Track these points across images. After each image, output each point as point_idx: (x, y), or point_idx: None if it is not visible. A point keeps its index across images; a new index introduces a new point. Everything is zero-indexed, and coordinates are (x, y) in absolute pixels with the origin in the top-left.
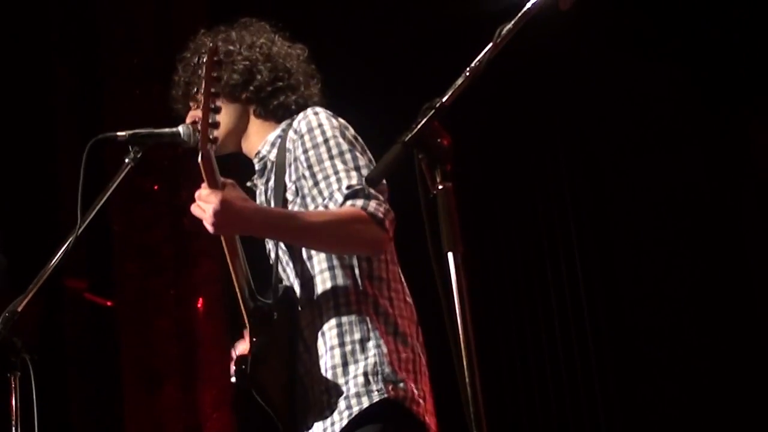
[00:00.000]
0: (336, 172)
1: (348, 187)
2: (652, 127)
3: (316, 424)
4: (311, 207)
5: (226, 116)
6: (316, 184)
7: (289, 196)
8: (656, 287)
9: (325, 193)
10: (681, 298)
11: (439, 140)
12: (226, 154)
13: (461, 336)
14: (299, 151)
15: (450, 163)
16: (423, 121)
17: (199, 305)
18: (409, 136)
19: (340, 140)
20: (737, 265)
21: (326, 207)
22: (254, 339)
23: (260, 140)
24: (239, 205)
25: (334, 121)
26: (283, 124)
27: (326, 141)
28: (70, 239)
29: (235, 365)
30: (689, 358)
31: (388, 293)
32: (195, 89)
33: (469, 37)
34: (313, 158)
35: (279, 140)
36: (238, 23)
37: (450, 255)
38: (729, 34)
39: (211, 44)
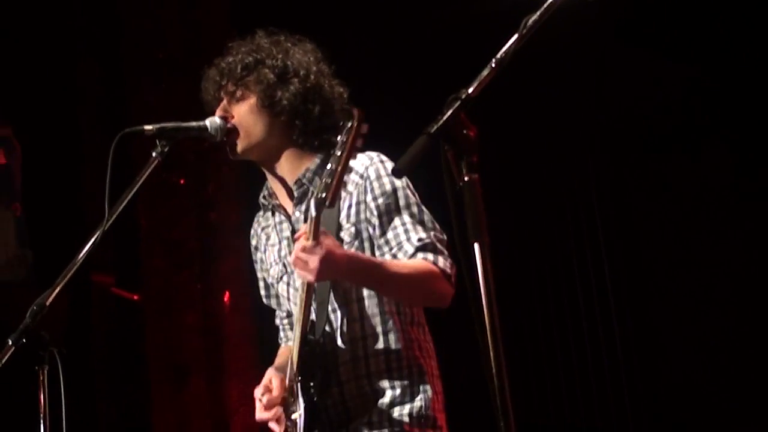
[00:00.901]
0: (404, 224)
1: (419, 240)
2: (678, 119)
3: None
4: (375, 252)
5: (264, 127)
6: (384, 233)
7: (346, 237)
8: (682, 276)
9: (393, 243)
10: (706, 286)
11: (465, 131)
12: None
13: (487, 325)
14: (368, 196)
15: (476, 154)
16: (449, 113)
17: (225, 299)
18: (436, 127)
19: (408, 192)
20: (762, 255)
21: (394, 256)
22: (303, 381)
23: (297, 166)
24: (339, 254)
25: None
26: (321, 156)
27: (395, 191)
28: (98, 234)
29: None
30: (715, 345)
31: (425, 337)
32: (231, 82)
33: (495, 29)
34: (383, 207)
35: (320, 171)
36: (292, 38)
37: (476, 245)
38: (748, 29)
39: (359, 117)
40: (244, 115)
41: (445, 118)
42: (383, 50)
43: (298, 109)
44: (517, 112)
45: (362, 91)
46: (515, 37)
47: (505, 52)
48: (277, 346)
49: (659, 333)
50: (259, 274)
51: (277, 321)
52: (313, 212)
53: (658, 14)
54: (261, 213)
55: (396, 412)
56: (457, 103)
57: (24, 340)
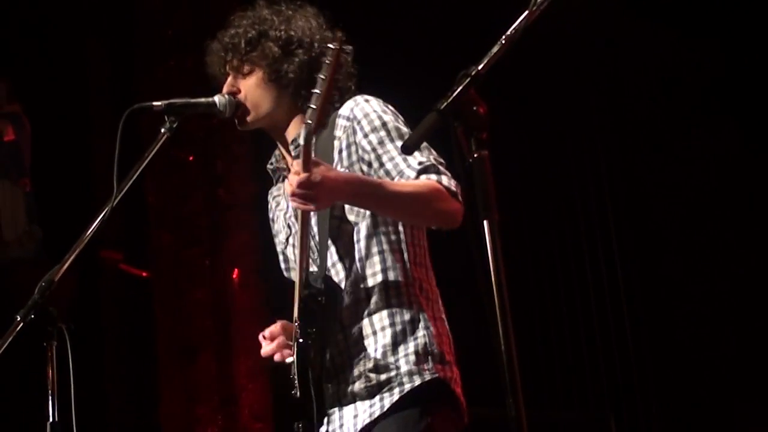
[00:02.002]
0: (400, 153)
1: (419, 163)
2: (689, 101)
3: (360, 401)
4: None
5: (272, 100)
6: (382, 165)
7: None
8: (694, 262)
9: (393, 172)
10: (717, 270)
11: (474, 108)
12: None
13: (496, 303)
14: (358, 136)
15: (486, 131)
16: (459, 89)
17: (234, 276)
18: (445, 104)
19: (398, 124)
20: None
21: None
22: (302, 324)
23: (296, 128)
24: (334, 176)
25: (388, 107)
26: (325, 119)
27: (384, 124)
28: (106, 210)
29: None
30: (725, 333)
31: (428, 279)
32: (236, 58)
33: (506, 4)
34: (375, 141)
35: (320, 129)
36: (293, 4)
37: (485, 222)
38: (760, 9)
39: (340, 40)
40: (252, 90)
41: (454, 94)
42: (392, 26)
43: (303, 80)
44: (528, 94)
45: (371, 67)
46: (525, 13)
47: (515, 29)
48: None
49: (669, 317)
50: (278, 248)
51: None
52: (301, 140)
53: None
54: (274, 185)
55: (401, 351)
56: (467, 80)
57: (32, 316)
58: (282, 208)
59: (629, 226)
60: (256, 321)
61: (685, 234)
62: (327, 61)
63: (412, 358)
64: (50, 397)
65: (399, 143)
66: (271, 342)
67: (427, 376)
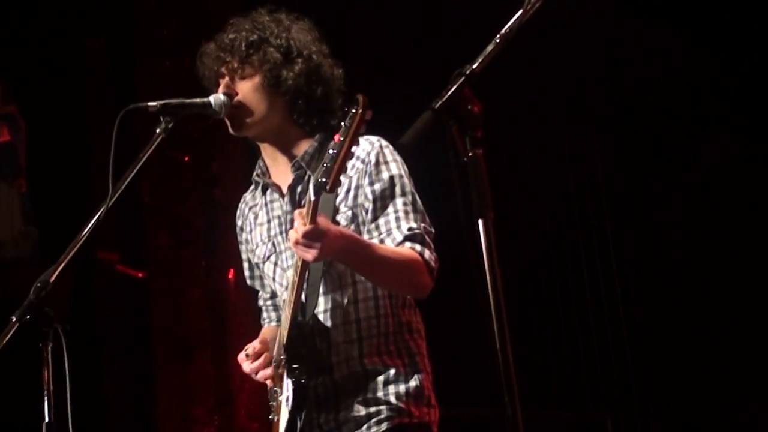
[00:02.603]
0: (396, 211)
1: (409, 229)
2: (687, 102)
3: (346, 429)
4: (365, 236)
5: (267, 106)
6: (376, 218)
7: (342, 220)
8: (689, 259)
9: (383, 229)
10: (714, 270)
11: (469, 107)
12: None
13: (492, 302)
14: (365, 180)
15: (480, 130)
16: (453, 88)
17: (230, 276)
18: (440, 102)
19: (405, 181)
20: None
21: (382, 241)
22: (288, 360)
23: (295, 146)
24: (334, 233)
25: (398, 157)
26: (318, 137)
27: (392, 178)
28: (102, 210)
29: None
30: (722, 333)
31: (416, 318)
32: (236, 59)
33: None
34: (379, 193)
35: (318, 155)
36: (291, 16)
37: (480, 221)
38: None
39: (363, 103)
40: (249, 93)
41: (449, 93)
42: (386, 25)
43: (301, 89)
44: (524, 92)
45: (365, 66)
46: (520, 12)
47: (509, 27)
48: None
49: (666, 318)
50: (244, 255)
51: (260, 302)
52: (312, 196)
53: None
54: (248, 193)
55: (391, 389)
56: (462, 79)
57: (28, 317)
58: (262, 222)
59: (626, 226)
60: (253, 321)
61: (683, 235)
62: (346, 125)
63: (403, 398)
64: (46, 398)
65: (399, 200)
66: (254, 360)
67: (415, 420)
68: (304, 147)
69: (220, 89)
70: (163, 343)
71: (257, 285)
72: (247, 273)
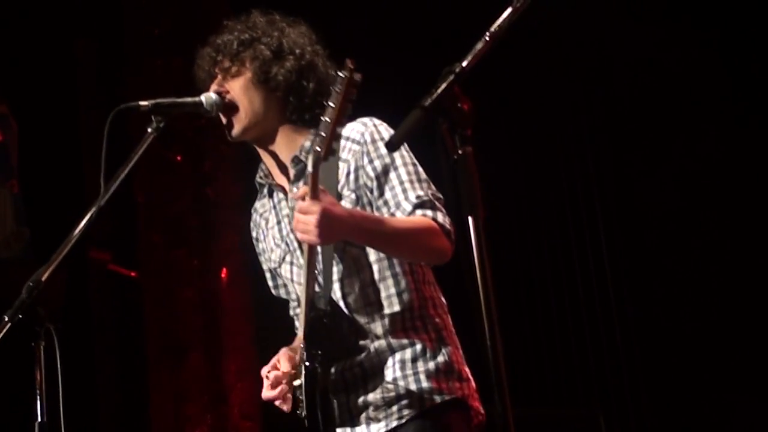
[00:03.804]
0: (402, 182)
1: (417, 197)
2: (679, 99)
3: (375, 411)
4: (374, 213)
5: (259, 103)
6: (382, 194)
7: (347, 204)
8: (681, 256)
9: (391, 203)
10: (707, 267)
11: (459, 105)
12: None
13: (481, 298)
14: (364, 160)
15: (470, 127)
16: (443, 86)
17: (223, 275)
18: (430, 100)
19: (404, 152)
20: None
21: (392, 215)
22: (308, 346)
23: (292, 143)
24: (338, 211)
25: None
26: (315, 131)
27: (390, 152)
28: (94, 210)
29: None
30: (710, 338)
31: (438, 295)
32: (227, 58)
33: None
34: (380, 168)
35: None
36: (287, 19)
37: (470, 219)
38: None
39: (356, 74)
40: (240, 91)
41: (439, 91)
42: (379, 22)
43: (292, 86)
44: (514, 89)
45: (357, 63)
46: (509, 9)
47: (499, 25)
48: (278, 327)
49: (659, 315)
50: (265, 266)
51: (291, 312)
52: (310, 168)
53: None
54: (257, 201)
55: (420, 367)
56: (451, 77)
57: (20, 316)
58: (272, 224)
59: (618, 223)
60: (245, 320)
61: (675, 232)
62: (337, 89)
63: (433, 375)
64: (38, 398)
65: (402, 170)
66: (272, 387)
67: (447, 397)
68: (301, 142)
69: (212, 88)
70: (155, 342)
71: (283, 294)
72: (270, 283)
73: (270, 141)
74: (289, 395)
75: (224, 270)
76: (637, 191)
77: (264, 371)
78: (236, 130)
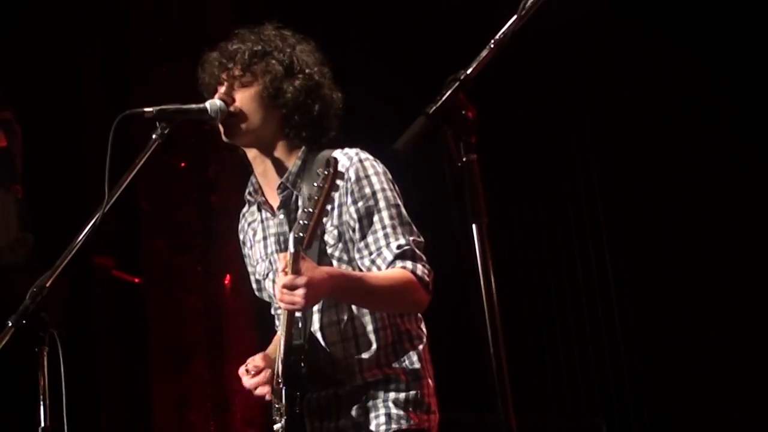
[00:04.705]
0: (384, 227)
1: (398, 247)
2: (680, 106)
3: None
4: (354, 255)
5: (263, 116)
6: (364, 237)
7: (329, 239)
8: (684, 265)
9: (373, 248)
10: (709, 275)
11: (464, 112)
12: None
13: (485, 306)
14: (348, 198)
15: (475, 135)
16: (448, 93)
17: (226, 282)
18: (434, 108)
19: (388, 194)
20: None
21: (373, 261)
22: (287, 389)
23: (283, 161)
24: (319, 276)
25: (379, 168)
26: (301, 154)
27: (374, 194)
28: (97, 216)
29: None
30: (711, 345)
31: (415, 325)
32: (238, 67)
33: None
34: (363, 210)
35: (302, 173)
36: (297, 36)
37: (474, 226)
38: (750, 16)
39: (335, 165)
40: (247, 102)
41: (444, 98)
42: (385, 29)
43: (299, 104)
44: (518, 96)
45: (361, 70)
46: (514, 18)
47: (503, 33)
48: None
49: (661, 323)
50: (250, 269)
51: (272, 311)
52: (291, 248)
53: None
54: (246, 208)
55: (391, 396)
56: (456, 84)
57: (24, 322)
58: (259, 239)
59: (621, 233)
60: (249, 326)
61: (678, 240)
62: (320, 185)
63: (401, 404)
64: (41, 403)
65: (385, 214)
66: (254, 376)
67: (413, 426)
68: (292, 161)
69: (218, 95)
70: (159, 348)
71: (265, 297)
72: (254, 286)
73: (262, 151)
74: (270, 379)
75: (227, 276)
76: (641, 200)
77: (241, 370)
78: (232, 136)
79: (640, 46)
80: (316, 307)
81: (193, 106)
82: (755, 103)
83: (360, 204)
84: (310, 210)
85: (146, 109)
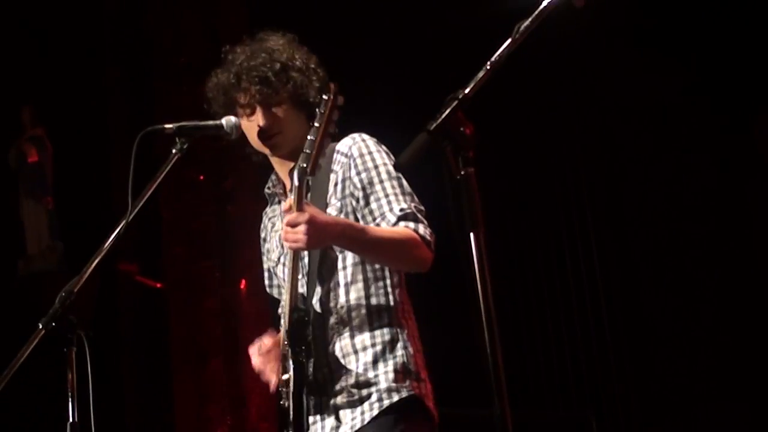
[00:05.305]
0: (387, 195)
1: (401, 210)
2: (663, 123)
3: (341, 414)
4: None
5: (300, 126)
6: (368, 204)
7: (332, 211)
8: (669, 265)
9: (377, 213)
10: (694, 275)
11: (462, 129)
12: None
13: (482, 308)
14: (352, 172)
15: (472, 150)
16: (447, 111)
17: (242, 287)
18: (435, 124)
19: (390, 168)
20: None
21: (377, 225)
22: (291, 344)
23: (293, 148)
24: (323, 219)
25: (381, 147)
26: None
27: (377, 167)
28: (122, 225)
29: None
30: (696, 343)
31: (407, 299)
32: (267, 88)
33: (490, 34)
34: (366, 180)
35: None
36: (293, 38)
37: (472, 235)
38: (733, 35)
39: (334, 90)
40: (283, 117)
41: (443, 116)
42: (389, 54)
43: (317, 103)
44: (511, 110)
45: (369, 90)
46: (509, 41)
47: (499, 55)
48: None
49: (649, 321)
50: (265, 265)
51: (279, 310)
52: (295, 182)
53: (651, 17)
54: (268, 206)
55: (381, 369)
56: (455, 103)
57: (53, 324)
58: (277, 229)
59: (609, 237)
60: (263, 328)
61: (662, 243)
62: (321, 111)
63: (391, 375)
64: (70, 399)
65: (387, 184)
66: (262, 355)
67: (405, 393)
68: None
69: (261, 122)
70: (179, 349)
71: (275, 293)
72: (266, 282)
73: (293, 153)
74: (278, 363)
75: (243, 282)
76: (628, 207)
77: (251, 349)
78: (278, 150)
79: (629, 64)
80: (318, 277)
81: (210, 122)
82: (736, 118)
83: (363, 175)
84: (312, 138)
85: (167, 126)
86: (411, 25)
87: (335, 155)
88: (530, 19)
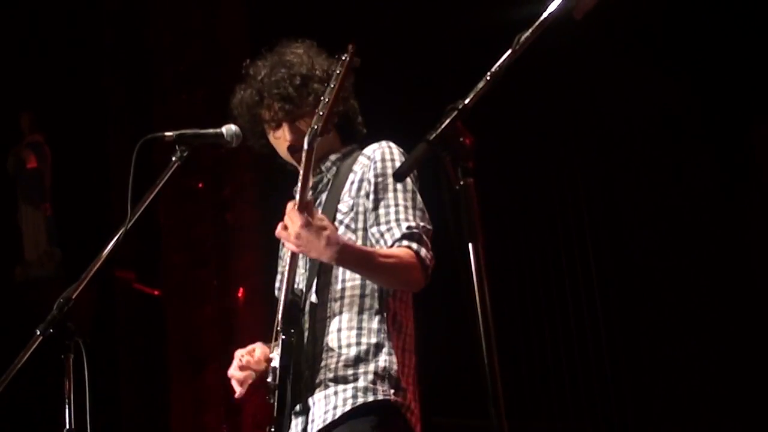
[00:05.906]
0: (397, 204)
1: (408, 227)
2: (661, 131)
3: (318, 403)
4: (362, 224)
5: (326, 137)
6: (376, 208)
7: (343, 207)
8: (666, 276)
9: (383, 220)
10: (691, 285)
11: (461, 139)
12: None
13: (480, 319)
14: (370, 173)
15: (471, 160)
16: (446, 122)
17: (239, 294)
18: (434, 135)
19: (409, 179)
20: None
21: (382, 234)
22: (284, 325)
23: (322, 154)
24: (338, 241)
25: (403, 156)
26: (343, 149)
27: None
28: (121, 232)
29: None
30: (692, 354)
31: (405, 313)
32: (291, 105)
33: (490, 45)
34: (381, 184)
35: (339, 162)
36: (305, 44)
37: (470, 244)
38: (731, 43)
39: (351, 52)
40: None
41: (442, 126)
42: (389, 63)
43: (348, 108)
44: (510, 119)
45: (370, 100)
46: (509, 52)
47: (498, 66)
48: None
49: (646, 332)
50: (279, 268)
51: (276, 293)
52: (305, 145)
53: (648, 26)
54: None
55: (361, 369)
56: (454, 113)
57: (51, 331)
58: None
59: (608, 250)
60: (260, 336)
61: (661, 253)
62: (337, 71)
63: (371, 377)
64: (67, 406)
65: (401, 195)
66: (240, 369)
67: (380, 396)
68: (330, 155)
69: (286, 137)
70: (176, 356)
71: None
72: (276, 285)
73: (323, 159)
74: (250, 381)
75: (241, 289)
76: (626, 217)
77: (239, 353)
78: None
79: (627, 73)
80: (318, 269)
81: (210, 131)
82: (734, 126)
83: (380, 179)
84: (326, 99)
85: (167, 134)
86: (411, 35)
87: (359, 157)
88: (530, 30)
